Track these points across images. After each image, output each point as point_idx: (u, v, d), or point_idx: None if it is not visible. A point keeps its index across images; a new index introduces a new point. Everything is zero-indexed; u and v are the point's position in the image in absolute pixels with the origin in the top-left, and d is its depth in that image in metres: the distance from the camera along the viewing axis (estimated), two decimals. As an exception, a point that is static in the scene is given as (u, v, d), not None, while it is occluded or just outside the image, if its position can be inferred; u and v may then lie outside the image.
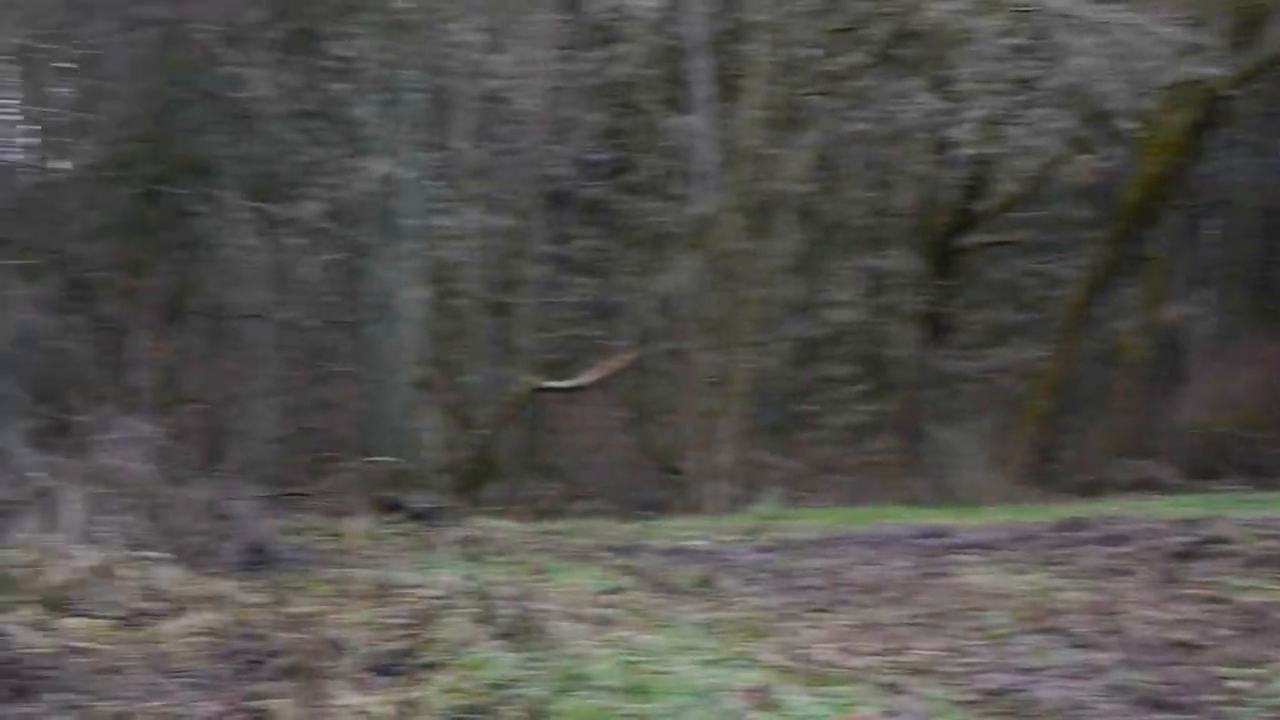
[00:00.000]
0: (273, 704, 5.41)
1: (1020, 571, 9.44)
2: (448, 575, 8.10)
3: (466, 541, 10.48)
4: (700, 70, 20.07)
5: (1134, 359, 22.43)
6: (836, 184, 22.36)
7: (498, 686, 5.43)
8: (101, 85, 14.23)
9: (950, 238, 22.79)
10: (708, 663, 6.09)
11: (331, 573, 9.43)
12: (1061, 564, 9.88)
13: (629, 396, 21.44)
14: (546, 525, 13.84)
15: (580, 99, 19.76)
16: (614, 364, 17.68)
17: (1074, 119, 19.38)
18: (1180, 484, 19.74)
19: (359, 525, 10.85)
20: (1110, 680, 6.24)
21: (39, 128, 20.41)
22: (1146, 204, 21.81)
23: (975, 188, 22.22)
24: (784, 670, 6.09)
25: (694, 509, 17.81)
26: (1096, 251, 22.41)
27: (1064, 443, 22.09)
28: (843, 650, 6.60)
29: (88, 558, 8.38)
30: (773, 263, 20.48)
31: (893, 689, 5.78)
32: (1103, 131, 20.45)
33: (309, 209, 18.04)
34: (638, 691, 5.49)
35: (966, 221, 22.81)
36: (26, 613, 7.31)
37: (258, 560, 10.41)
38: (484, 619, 6.43)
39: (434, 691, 5.40)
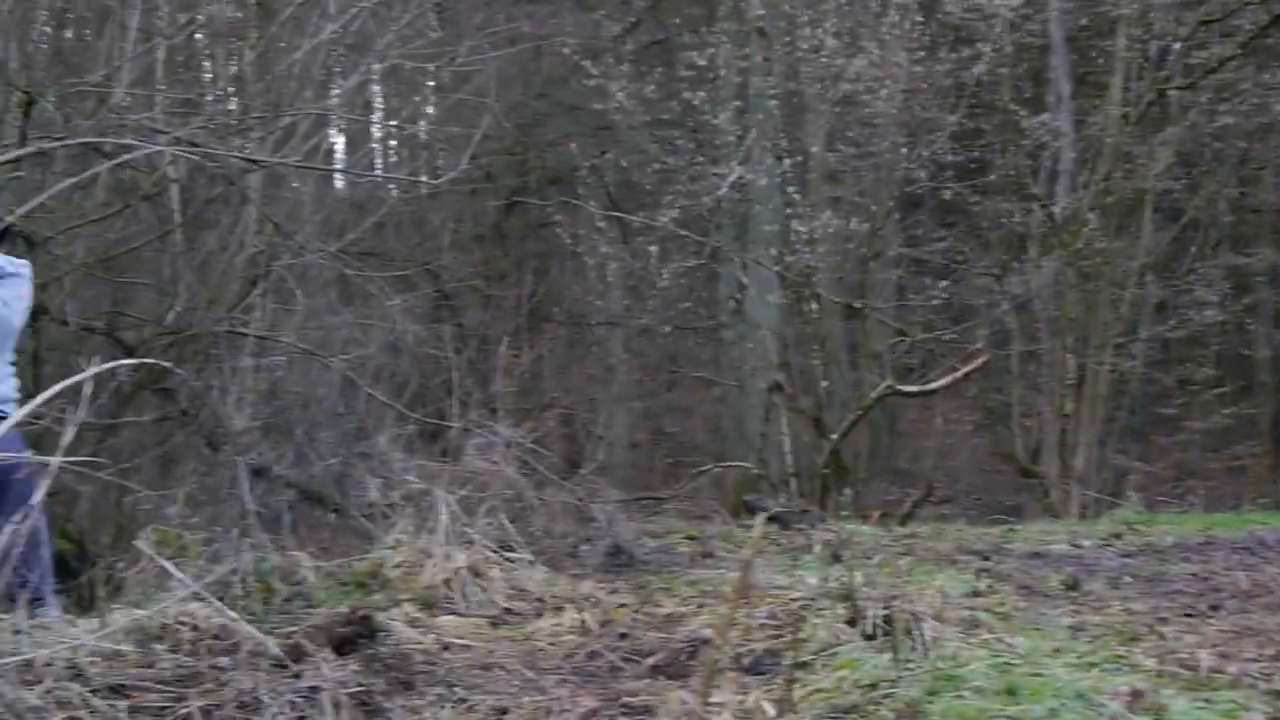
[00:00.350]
0: (649, 700, 5.50)
1: None
2: (812, 576, 8.12)
3: (827, 544, 10.45)
4: (1059, 67, 19.77)
5: None
6: (1200, 180, 21.72)
7: (870, 687, 5.42)
8: (467, 101, 14.66)
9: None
10: (1081, 666, 5.97)
11: (694, 574, 9.53)
12: None
13: (982, 399, 21.20)
14: (903, 529, 13.79)
15: (936, 100, 19.59)
16: (969, 367, 17.47)
17: None
18: None
19: (750, 529, 10.90)
20: None
21: (401, 143, 21.14)
22: None
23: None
24: (1161, 675, 5.94)
25: (1051, 513, 17.52)
26: None
27: None
28: (1222, 656, 6.41)
29: (458, 559, 8.61)
30: (1133, 262, 20.02)
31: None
32: None
33: (665, 216, 18.28)
34: (1011, 693, 5.41)
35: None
36: (404, 611, 7.55)
37: (619, 562, 10.59)
38: (852, 620, 6.42)
39: (807, 691, 5.43)
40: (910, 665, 5.67)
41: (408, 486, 10.62)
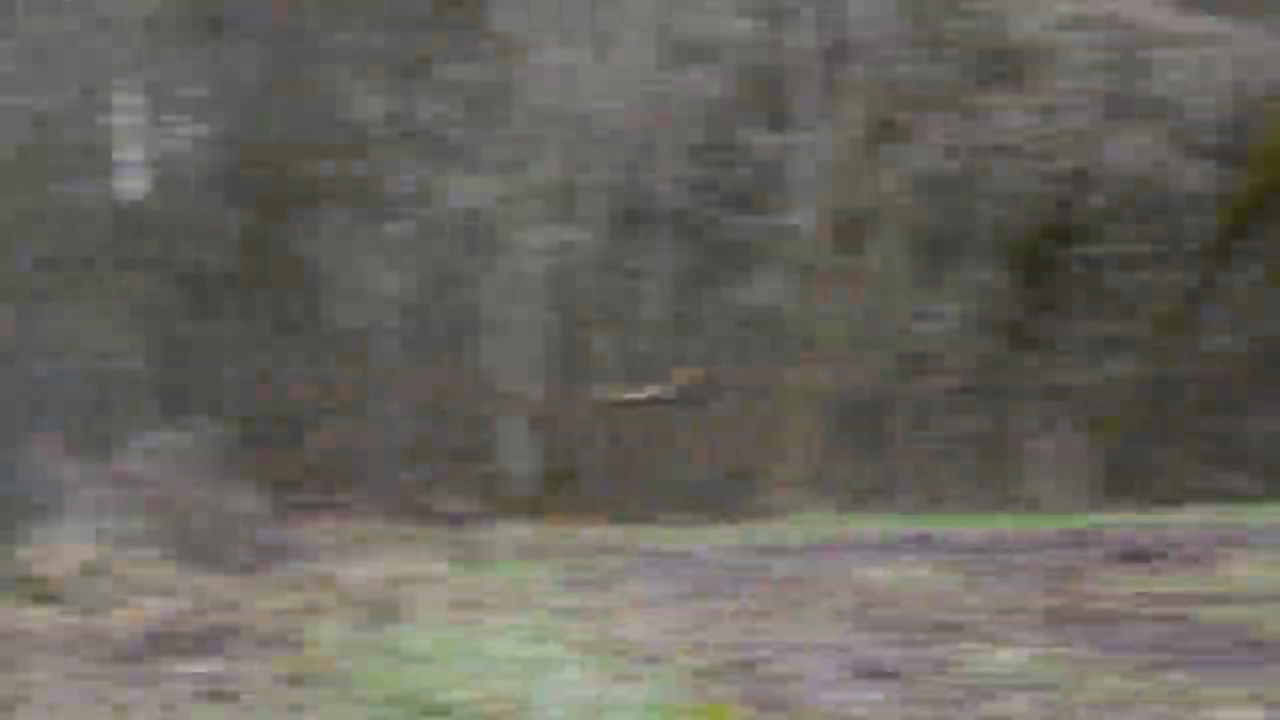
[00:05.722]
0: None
1: (939, 571, 9.81)
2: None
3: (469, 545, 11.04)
4: (797, 87, 20.46)
5: (1226, 371, 22.22)
6: (932, 198, 22.46)
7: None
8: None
9: (1045, 250, 22.78)
10: (521, 640, 6.69)
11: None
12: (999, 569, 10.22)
13: (713, 408, 21.69)
14: (597, 530, 14.28)
15: (672, 117, 20.07)
16: (692, 375, 18.10)
17: (1171, 130, 19.47)
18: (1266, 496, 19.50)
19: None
20: (851, 657, 6.71)
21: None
22: (1248, 216, 21.65)
23: (1070, 201, 22.21)
24: (583, 646, 6.67)
25: (763, 515, 18.08)
26: (1195, 263, 22.27)
27: (1153, 455, 21.96)
28: (657, 631, 7.13)
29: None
30: (866, 276, 20.74)
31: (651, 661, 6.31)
32: (1203, 144, 20.41)
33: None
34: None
35: (1062, 234, 22.78)
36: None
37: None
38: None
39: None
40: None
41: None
